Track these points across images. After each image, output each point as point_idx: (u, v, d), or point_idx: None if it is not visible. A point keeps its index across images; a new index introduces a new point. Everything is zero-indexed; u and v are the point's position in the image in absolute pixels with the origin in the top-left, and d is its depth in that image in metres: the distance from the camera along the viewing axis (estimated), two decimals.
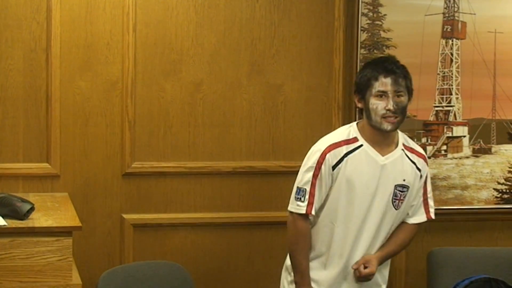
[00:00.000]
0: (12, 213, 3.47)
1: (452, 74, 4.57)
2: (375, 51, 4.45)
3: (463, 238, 4.68)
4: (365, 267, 3.50)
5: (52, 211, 3.67)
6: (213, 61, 4.33)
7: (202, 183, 4.38)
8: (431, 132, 4.58)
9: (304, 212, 3.47)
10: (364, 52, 4.44)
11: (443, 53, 4.55)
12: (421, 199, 3.64)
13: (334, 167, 3.46)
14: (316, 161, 3.47)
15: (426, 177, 3.65)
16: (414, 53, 4.49)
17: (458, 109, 4.60)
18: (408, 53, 4.48)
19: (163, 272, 3.88)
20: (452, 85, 4.58)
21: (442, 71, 4.56)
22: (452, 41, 4.56)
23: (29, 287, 3.37)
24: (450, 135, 4.60)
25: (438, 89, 4.57)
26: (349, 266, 3.53)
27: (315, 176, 3.47)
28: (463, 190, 4.63)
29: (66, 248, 3.39)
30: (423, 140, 4.55)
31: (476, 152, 4.64)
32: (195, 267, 4.30)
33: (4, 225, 3.36)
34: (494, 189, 4.67)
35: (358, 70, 4.41)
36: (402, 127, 4.48)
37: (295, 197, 3.50)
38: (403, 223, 3.64)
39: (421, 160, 3.61)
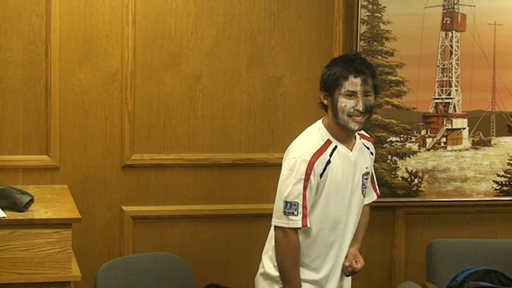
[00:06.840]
0: (12, 205, 3.47)
1: (451, 66, 4.57)
2: (374, 43, 4.45)
3: (463, 230, 4.69)
4: (356, 262, 3.55)
5: (51, 203, 3.68)
6: (213, 53, 4.33)
7: (202, 175, 4.38)
8: (430, 124, 4.57)
9: (300, 226, 3.38)
10: (364, 44, 4.44)
11: (442, 45, 4.55)
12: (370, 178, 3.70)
13: (321, 175, 3.41)
14: (304, 173, 3.37)
15: None
16: (414, 45, 4.49)
17: (458, 101, 4.59)
18: (408, 45, 4.48)
19: (163, 264, 3.88)
20: (451, 77, 4.57)
21: (442, 63, 4.56)
22: (452, 33, 4.55)
23: (29, 279, 3.38)
24: (450, 127, 4.60)
25: (437, 81, 4.57)
26: (337, 265, 3.52)
27: (305, 188, 3.38)
28: (462, 182, 4.63)
29: (65, 240, 3.40)
30: (423, 132, 4.55)
31: (476, 144, 4.64)
32: (195, 259, 4.30)
33: (4, 217, 3.36)
34: (493, 181, 4.67)
35: None
36: (402, 119, 4.52)
37: (285, 212, 3.38)
38: None
39: (371, 144, 3.66)
